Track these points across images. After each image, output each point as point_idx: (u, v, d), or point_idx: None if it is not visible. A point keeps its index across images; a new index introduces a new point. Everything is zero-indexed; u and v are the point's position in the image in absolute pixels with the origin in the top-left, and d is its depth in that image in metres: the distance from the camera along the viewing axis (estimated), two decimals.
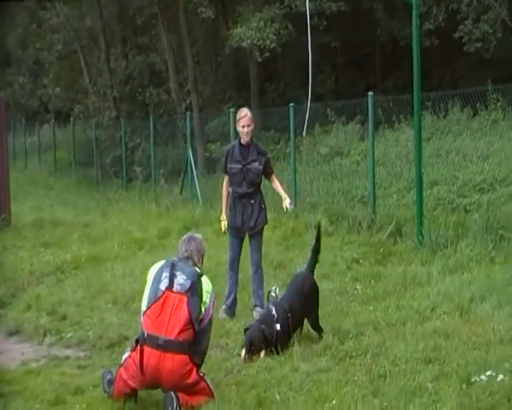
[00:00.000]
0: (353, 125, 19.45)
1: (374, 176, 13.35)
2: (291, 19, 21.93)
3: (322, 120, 20.70)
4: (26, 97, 41.00)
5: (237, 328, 8.72)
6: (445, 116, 17.19)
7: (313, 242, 8.64)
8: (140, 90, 28.51)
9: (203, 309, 6.78)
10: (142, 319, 6.82)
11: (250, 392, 6.77)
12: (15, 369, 8.25)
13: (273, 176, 9.77)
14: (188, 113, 21.52)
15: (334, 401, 6.20)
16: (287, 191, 10.16)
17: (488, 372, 6.10)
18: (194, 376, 6.63)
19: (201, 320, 6.78)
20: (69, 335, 9.36)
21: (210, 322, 6.93)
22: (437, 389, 6.14)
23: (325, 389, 6.55)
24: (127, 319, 9.69)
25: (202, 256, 7.32)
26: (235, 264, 9.71)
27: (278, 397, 6.56)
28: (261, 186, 9.68)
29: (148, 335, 6.65)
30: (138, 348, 6.68)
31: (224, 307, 9.51)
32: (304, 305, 8.12)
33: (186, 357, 6.60)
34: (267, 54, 21.65)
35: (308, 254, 8.75)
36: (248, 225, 9.51)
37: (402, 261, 10.83)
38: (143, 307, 6.86)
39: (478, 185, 13.54)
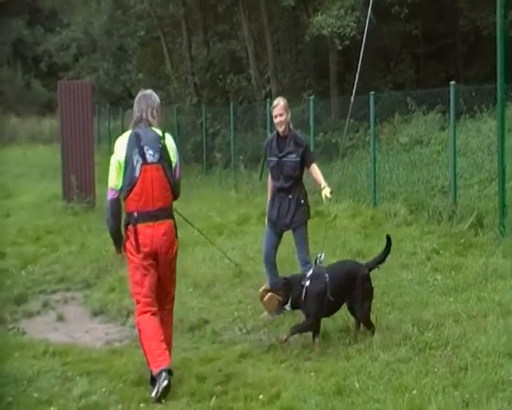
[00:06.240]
0: (434, 115, 19.21)
1: (455, 166, 13.18)
2: (372, 7, 21.73)
3: (402, 109, 20.52)
4: (110, 83, 41.66)
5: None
6: None
7: (385, 248, 8.29)
8: (220, 76, 28.67)
9: (173, 165, 7.15)
10: (122, 203, 7.07)
11: (329, 379, 6.81)
12: (100, 348, 8.51)
13: (314, 164, 8.94)
14: (267, 100, 21.58)
15: (414, 392, 6.20)
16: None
17: None
18: (175, 248, 7.19)
19: (174, 174, 7.17)
20: None
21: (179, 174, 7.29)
22: None
23: (405, 380, 6.53)
24: (207, 303, 9.89)
25: (156, 109, 7.28)
26: (268, 258, 9.19)
27: (357, 385, 6.58)
28: (303, 180, 9.09)
29: (138, 213, 6.96)
30: (131, 229, 6.98)
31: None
32: (348, 289, 7.88)
33: (172, 222, 7.17)
34: (347, 42, 21.51)
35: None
36: (284, 221, 9.00)
37: (483, 253, 10.65)
38: (111, 184, 7.02)
39: None
